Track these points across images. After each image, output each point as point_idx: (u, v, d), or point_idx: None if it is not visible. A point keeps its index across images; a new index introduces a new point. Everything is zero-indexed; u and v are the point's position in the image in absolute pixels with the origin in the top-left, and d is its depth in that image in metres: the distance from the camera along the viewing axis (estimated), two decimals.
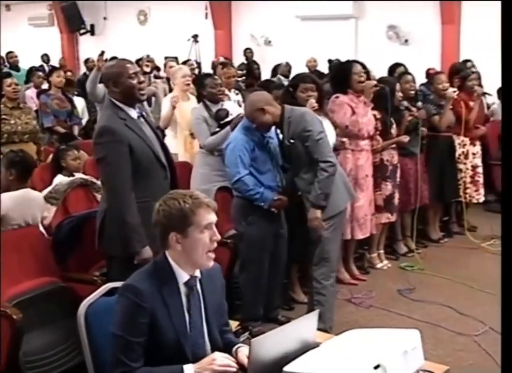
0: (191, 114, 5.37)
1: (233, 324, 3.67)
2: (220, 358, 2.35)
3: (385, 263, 5.83)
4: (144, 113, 3.80)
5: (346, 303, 4.97)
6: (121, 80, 3.55)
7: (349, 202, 4.66)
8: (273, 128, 4.35)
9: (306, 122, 4.19)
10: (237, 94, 6.27)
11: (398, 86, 5.71)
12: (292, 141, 4.22)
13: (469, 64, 8.36)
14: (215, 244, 2.46)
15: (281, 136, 4.34)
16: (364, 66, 5.37)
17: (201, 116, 5.20)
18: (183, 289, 2.45)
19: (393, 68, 7.23)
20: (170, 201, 2.42)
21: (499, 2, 10.43)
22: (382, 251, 5.89)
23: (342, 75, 5.32)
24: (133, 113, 3.63)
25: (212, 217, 2.44)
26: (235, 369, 2.37)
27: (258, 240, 4.31)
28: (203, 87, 5.32)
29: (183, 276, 2.45)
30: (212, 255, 2.47)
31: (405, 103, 5.83)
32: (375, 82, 5.43)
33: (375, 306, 4.91)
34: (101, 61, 6.31)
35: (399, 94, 5.70)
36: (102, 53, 6.52)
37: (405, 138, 5.71)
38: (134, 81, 3.57)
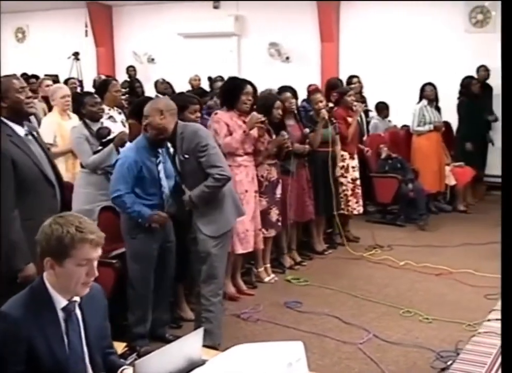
0: (71, 133, 5.25)
1: (121, 346, 3.60)
2: None
3: (272, 277, 5.88)
4: (34, 132, 3.74)
5: (235, 319, 4.97)
6: (8, 95, 3.53)
7: (236, 219, 4.65)
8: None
9: (200, 137, 4.22)
10: (120, 113, 6.14)
11: (277, 103, 5.79)
12: (186, 156, 4.20)
13: (355, 80, 8.66)
14: (92, 278, 2.39)
15: (172, 150, 4.33)
16: (254, 89, 5.37)
17: (83, 134, 5.09)
18: (61, 314, 2.37)
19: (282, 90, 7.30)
20: (55, 226, 2.33)
21: (375, 22, 10.92)
22: (268, 265, 5.94)
23: (232, 92, 5.29)
24: (21, 130, 3.60)
25: (95, 254, 2.36)
26: None
27: (142, 255, 4.27)
28: (83, 105, 5.21)
29: (60, 301, 2.37)
30: (88, 284, 2.39)
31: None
32: (263, 119, 5.29)
33: (263, 320, 4.93)
34: None
35: (278, 111, 5.77)
36: None
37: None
38: (22, 96, 3.56)
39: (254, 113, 5.29)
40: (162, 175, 4.31)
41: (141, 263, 4.29)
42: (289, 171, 6.03)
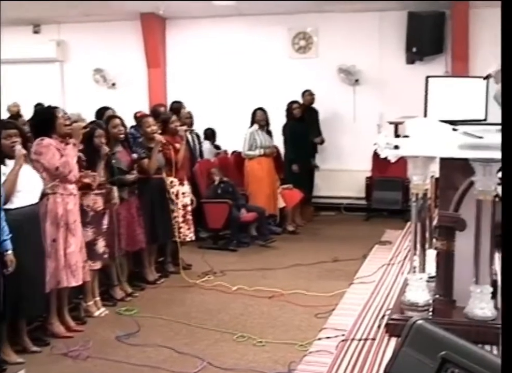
0: None
1: None
2: None
3: (102, 311, 5.71)
4: None
5: (63, 358, 4.75)
6: None
7: None
8: None
9: None
10: None
11: (98, 131, 5.70)
12: None
13: (181, 106, 8.71)
14: None
15: None
16: (64, 111, 5.40)
17: None
18: None
19: (100, 112, 7.26)
20: None
21: (203, 48, 11.10)
22: (98, 298, 5.76)
23: (46, 121, 5.23)
24: None
25: None
26: None
27: None
28: None
29: None
30: None
31: (106, 149, 5.76)
32: (84, 124, 5.55)
33: (93, 357, 4.75)
34: None
35: (102, 140, 5.68)
36: None
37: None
38: None
39: (76, 123, 5.46)
40: None
41: None
42: (121, 198, 5.96)
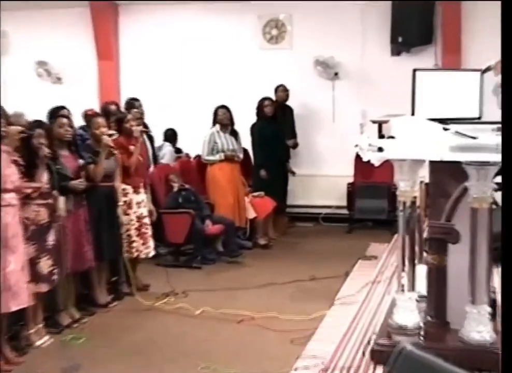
0: None
1: None
2: None
3: (46, 339, 5.61)
4: None
5: None
6: None
7: None
8: None
9: None
10: None
11: (37, 131, 5.61)
12: None
13: (137, 103, 8.62)
14: None
15: None
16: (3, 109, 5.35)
17: None
18: None
19: (54, 111, 7.12)
20: None
21: (161, 39, 11.13)
22: (41, 325, 5.67)
23: None
24: None
25: None
26: None
27: None
28: None
29: None
30: None
31: (45, 150, 5.67)
32: (20, 128, 5.41)
33: None
34: None
35: (40, 140, 5.60)
36: None
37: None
38: None
39: (12, 127, 5.38)
40: None
41: None
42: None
